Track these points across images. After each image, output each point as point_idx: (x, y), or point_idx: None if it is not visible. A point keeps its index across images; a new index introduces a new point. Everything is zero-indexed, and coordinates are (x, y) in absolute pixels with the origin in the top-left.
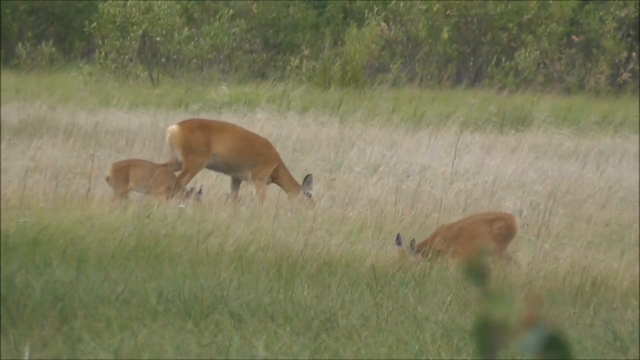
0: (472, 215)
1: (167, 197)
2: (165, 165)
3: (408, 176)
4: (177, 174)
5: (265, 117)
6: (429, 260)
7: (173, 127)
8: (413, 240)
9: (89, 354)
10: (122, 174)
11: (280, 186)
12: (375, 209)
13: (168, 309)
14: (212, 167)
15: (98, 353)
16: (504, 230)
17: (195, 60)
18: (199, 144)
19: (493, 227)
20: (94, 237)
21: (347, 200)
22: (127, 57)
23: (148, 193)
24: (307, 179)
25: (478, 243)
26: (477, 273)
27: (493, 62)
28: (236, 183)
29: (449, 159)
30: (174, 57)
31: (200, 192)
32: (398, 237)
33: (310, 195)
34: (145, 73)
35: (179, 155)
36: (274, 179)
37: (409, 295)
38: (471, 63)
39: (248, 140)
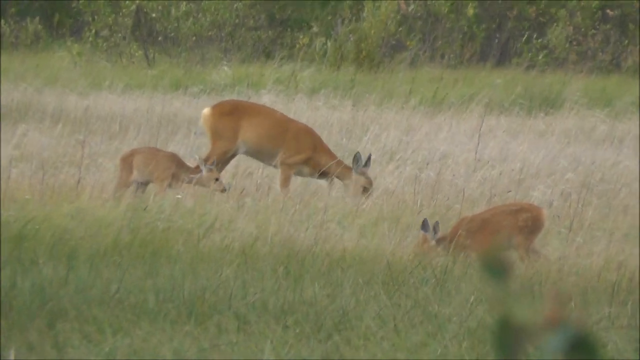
0: (496, 207)
1: (171, 185)
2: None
3: (427, 164)
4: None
5: (271, 100)
6: (450, 255)
7: (205, 110)
8: (437, 223)
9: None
10: (127, 163)
11: (335, 177)
12: (392, 200)
13: (166, 310)
14: (245, 153)
15: (89, 358)
16: (529, 222)
17: (194, 38)
18: (227, 130)
19: (518, 219)
20: (84, 232)
21: (352, 188)
22: (119, 35)
23: (151, 181)
24: (356, 157)
25: (501, 236)
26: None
27: (523, 40)
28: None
29: (472, 144)
30: (171, 34)
31: (214, 163)
32: (424, 223)
33: (364, 174)
34: (140, 52)
35: (209, 139)
36: (320, 171)
37: (429, 294)
38: (497, 40)
39: (283, 126)
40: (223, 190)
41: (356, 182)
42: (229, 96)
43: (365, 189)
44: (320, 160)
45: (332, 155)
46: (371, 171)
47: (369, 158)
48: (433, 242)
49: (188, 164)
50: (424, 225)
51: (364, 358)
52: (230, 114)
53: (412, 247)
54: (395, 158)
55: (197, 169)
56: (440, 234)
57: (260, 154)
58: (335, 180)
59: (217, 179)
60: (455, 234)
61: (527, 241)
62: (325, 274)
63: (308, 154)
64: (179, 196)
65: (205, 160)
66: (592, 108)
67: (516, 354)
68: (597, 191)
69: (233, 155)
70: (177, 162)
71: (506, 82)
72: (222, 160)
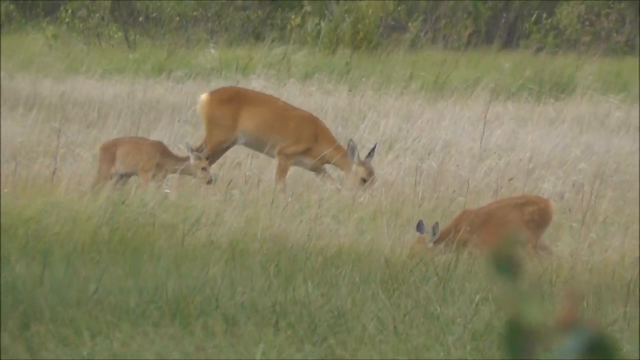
0: (500, 200)
1: (155, 177)
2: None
3: (429, 153)
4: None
5: (261, 85)
6: (453, 251)
7: (203, 96)
8: (436, 224)
9: None
10: (109, 153)
11: (340, 168)
12: (391, 192)
13: (148, 311)
14: (245, 144)
15: None
16: (536, 215)
17: (178, 18)
18: (225, 119)
19: (524, 212)
20: (60, 228)
21: (350, 179)
22: (97, 15)
23: (134, 173)
24: (350, 146)
25: (507, 231)
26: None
27: (532, 20)
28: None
29: (477, 133)
30: (154, 15)
31: (201, 149)
32: (419, 224)
33: (365, 165)
34: (120, 34)
35: (204, 127)
36: (324, 163)
37: (431, 294)
38: (503, 20)
39: (285, 116)
40: (209, 182)
41: (355, 173)
42: (215, 81)
43: (364, 181)
44: (322, 151)
45: (335, 146)
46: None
47: (373, 149)
48: (431, 244)
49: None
50: (420, 227)
51: None
52: (230, 102)
53: (408, 248)
54: (395, 147)
55: (185, 159)
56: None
57: (261, 145)
58: (332, 173)
59: (204, 169)
60: (457, 229)
61: (534, 236)
62: (319, 272)
63: (307, 145)
64: (167, 191)
65: (197, 149)
66: (606, 93)
67: (526, 358)
68: (611, 182)
69: (228, 147)
70: (162, 151)
71: (514, 66)
72: (216, 151)
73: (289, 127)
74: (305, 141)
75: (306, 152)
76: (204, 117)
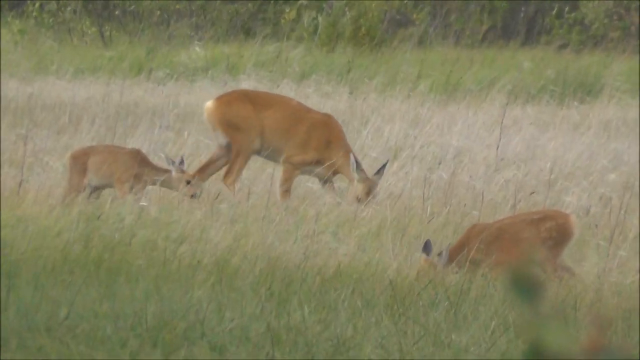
0: (514, 215)
1: (133, 189)
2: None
3: (439, 163)
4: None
5: (252, 86)
6: (465, 272)
7: (208, 103)
8: (447, 247)
9: None
10: (81, 163)
11: (347, 179)
12: (397, 205)
13: (126, 339)
14: (257, 152)
15: None
16: (554, 232)
17: (159, 12)
18: (244, 118)
19: (540, 229)
20: (28, 245)
21: (352, 193)
22: (69, 8)
23: (109, 185)
24: (350, 161)
25: (522, 249)
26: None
27: (553, 14)
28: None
29: (493, 139)
30: (131, 8)
31: (182, 162)
32: (427, 244)
33: (365, 182)
34: (94, 30)
35: (221, 137)
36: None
37: (441, 320)
38: (522, 14)
39: (297, 118)
40: (192, 196)
41: (355, 190)
42: (200, 82)
43: (359, 200)
44: (337, 161)
45: (347, 155)
46: (372, 170)
47: (383, 166)
48: (440, 267)
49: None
50: (427, 248)
51: None
52: (241, 101)
53: (416, 270)
54: (401, 156)
55: (166, 170)
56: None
57: (274, 152)
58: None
59: (188, 182)
60: (463, 246)
61: (553, 255)
62: (316, 295)
63: (316, 155)
64: (144, 204)
65: (234, 161)
66: (637, 95)
67: None
68: None
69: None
70: (140, 160)
71: (534, 65)
72: (246, 158)
73: (299, 132)
74: (315, 150)
75: (316, 162)
76: (218, 124)
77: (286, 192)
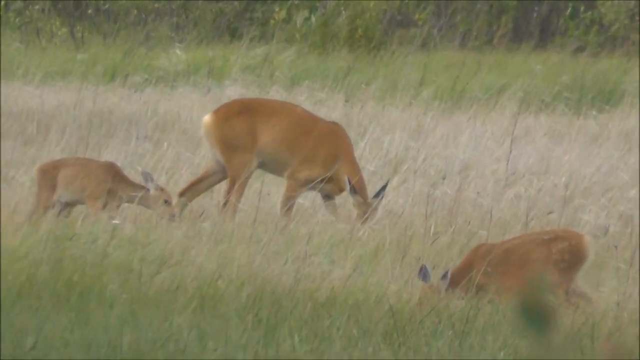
0: (523, 234)
1: (107, 206)
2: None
3: (443, 178)
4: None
5: (238, 93)
6: (471, 298)
7: (206, 118)
8: (446, 273)
9: None
10: (50, 177)
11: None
12: (397, 224)
13: None
14: (260, 165)
15: None
16: (567, 254)
17: (136, 11)
18: (242, 136)
19: (552, 250)
20: None
21: (356, 213)
22: (37, 7)
23: (81, 201)
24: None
25: (531, 273)
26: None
27: (568, 13)
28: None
29: (503, 152)
30: (106, 7)
31: (150, 178)
32: (423, 271)
33: (362, 207)
34: (65, 30)
35: (218, 156)
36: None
37: (445, 350)
38: (535, 14)
39: (302, 129)
40: (171, 217)
41: (359, 211)
42: (182, 87)
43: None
44: (340, 177)
45: (355, 169)
46: (370, 185)
47: (383, 187)
48: (443, 293)
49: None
50: (423, 274)
51: None
52: (240, 115)
53: (416, 296)
54: (402, 169)
55: (143, 186)
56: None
57: (279, 166)
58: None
59: (166, 201)
60: (468, 269)
61: (565, 279)
62: (308, 323)
63: (323, 170)
64: (117, 221)
65: (230, 186)
66: None
67: None
68: None
69: (252, 172)
70: (114, 175)
71: (547, 70)
72: (243, 181)
73: (305, 145)
74: (321, 165)
75: (322, 178)
76: (215, 142)
77: (289, 210)
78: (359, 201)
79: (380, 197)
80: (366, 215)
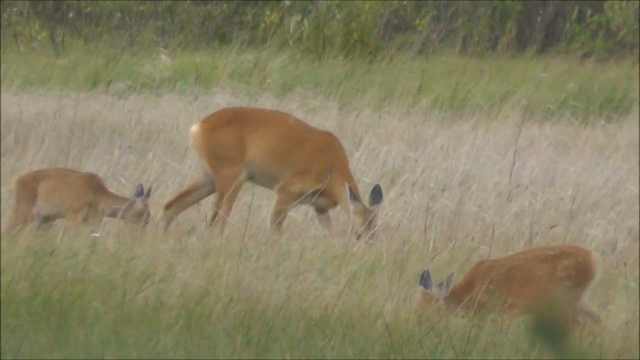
0: (526, 250)
1: (88, 220)
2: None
3: (443, 190)
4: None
5: (226, 101)
6: (472, 317)
7: (194, 128)
8: (450, 276)
9: None
10: (29, 190)
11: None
12: (394, 239)
13: None
14: (250, 177)
15: None
16: (573, 271)
17: (119, 14)
18: (230, 147)
19: (557, 267)
20: None
21: (350, 227)
22: (15, 10)
23: (61, 214)
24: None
25: (535, 291)
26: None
27: (573, 18)
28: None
29: (506, 163)
30: (88, 10)
31: (142, 191)
32: (425, 276)
33: (364, 215)
34: (44, 34)
35: (206, 167)
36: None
37: None
38: (539, 18)
39: (297, 138)
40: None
41: (357, 219)
42: (167, 95)
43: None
44: (334, 190)
45: (350, 181)
46: (366, 198)
47: (379, 193)
48: (441, 302)
49: (111, 189)
50: (425, 280)
51: None
52: (229, 125)
53: (415, 315)
54: (399, 181)
55: (126, 199)
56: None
57: (269, 178)
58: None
59: (148, 216)
60: (469, 286)
61: (572, 298)
62: (301, 342)
63: (316, 183)
64: (96, 234)
65: (218, 199)
66: None
67: None
68: None
69: (242, 183)
70: (95, 187)
71: (553, 77)
72: (233, 193)
73: (298, 158)
74: (314, 178)
75: (315, 191)
76: (203, 154)
77: (279, 224)
78: (359, 209)
79: (380, 203)
80: (367, 221)
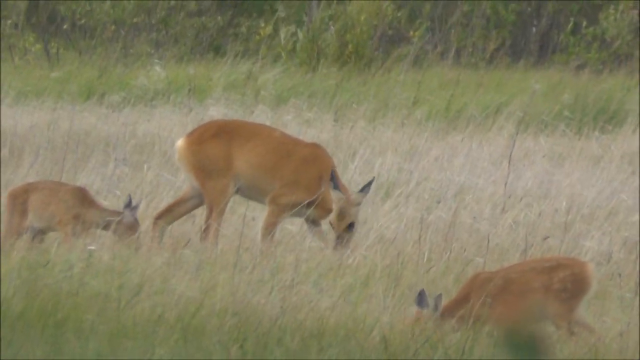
0: (523, 262)
1: (77, 231)
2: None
3: (438, 202)
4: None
5: (221, 113)
6: (468, 329)
7: (179, 142)
8: (439, 296)
9: None
10: (20, 203)
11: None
12: (389, 251)
13: None
14: (238, 191)
15: None
16: (568, 283)
17: (113, 27)
18: (217, 161)
19: (553, 279)
20: None
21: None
22: (9, 22)
23: (52, 227)
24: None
25: (531, 303)
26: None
27: (568, 29)
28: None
29: (500, 174)
30: (82, 22)
31: (130, 204)
32: (421, 296)
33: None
34: (39, 46)
35: (193, 181)
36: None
37: None
38: (534, 29)
39: (282, 152)
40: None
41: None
42: (161, 107)
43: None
44: (326, 202)
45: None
46: (361, 210)
47: (369, 183)
48: (431, 321)
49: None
50: (421, 299)
51: None
52: (215, 138)
53: (405, 324)
54: (394, 193)
55: (115, 212)
56: (445, 301)
57: (257, 192)
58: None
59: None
60: (465, 299)
61: (567, 310)
62: (295, 355)
63: (307, 195)
64: (92, 247)
65: (208, 214)
66: None
67: None
68: None
69: (229, 197)
70: (83, 200)
71: (547, 88)
72: (221, 208)
73: (286, 170)
74: (305, 190)
75: (306, 202)
76: (189, 167)
77: (269, 236)
78: (339, 197)
79: (365, 192)
80: (345, 212)
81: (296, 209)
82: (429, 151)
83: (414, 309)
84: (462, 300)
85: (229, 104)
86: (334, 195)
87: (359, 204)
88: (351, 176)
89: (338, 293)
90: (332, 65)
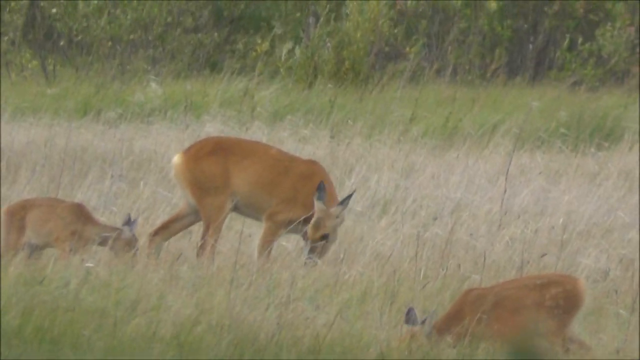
0: (515, 279)
1: (74, 247)
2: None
3: (434, 219)
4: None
5: (217, 130)
6: (463, 346)
7: (176, 158)
8: (432, 314)
9: None
10: (17, 219)
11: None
12: (386, 268)
13: None
14: (235, 208)
15: None
16: (561, 299)
17: (110, 43)
18: (214, 178)
19: (545, 296)
20: None
21: (341, 256)
22: (6, 38)
23: (49, 244)
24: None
25: (524, 319)
26: None
27: (565, 45)
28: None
29: (497, 192)
30: (79, 38)
31: (130, 221)
32: (409, 314)
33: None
34: (35, 63)
35: (190, 198)
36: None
37: None
38: (530, 46)
39: (279, 169)
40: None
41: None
42: (158, 123)
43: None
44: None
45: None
46: (357, 227)
47: (349, 196)
48: (424, 339)
49: (100, 218)
50: (409, 317)
51: None
52: (212, 155)
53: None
54: (390, 210)
55: (112, 228)
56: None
57: (254, 208)
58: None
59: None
60: (457, 316)
61: (560, 326)
62: None
63: (304, 212)
64: (90, 264)
65: (205, 230)
66: None
67: None
68: None
69: (227, 214)
70: (80, 216)
71: (543, 105)
72: (218, 225)
73: (283, 187)
74: (302, 207)
75: (303, 218)
76: (186, 184)
77: (265, 252)
78: (320, 208)
79: (344, 205)
80: (320, 225)
81: (292, 225)
82: (426, 168)
83: (405, 328)
84: (454, 316)
85: (225, 120)
86: (316, 206)
87: (337, 216)
88: (347, 193)
89: (334, 310)
90: (328, 81)
